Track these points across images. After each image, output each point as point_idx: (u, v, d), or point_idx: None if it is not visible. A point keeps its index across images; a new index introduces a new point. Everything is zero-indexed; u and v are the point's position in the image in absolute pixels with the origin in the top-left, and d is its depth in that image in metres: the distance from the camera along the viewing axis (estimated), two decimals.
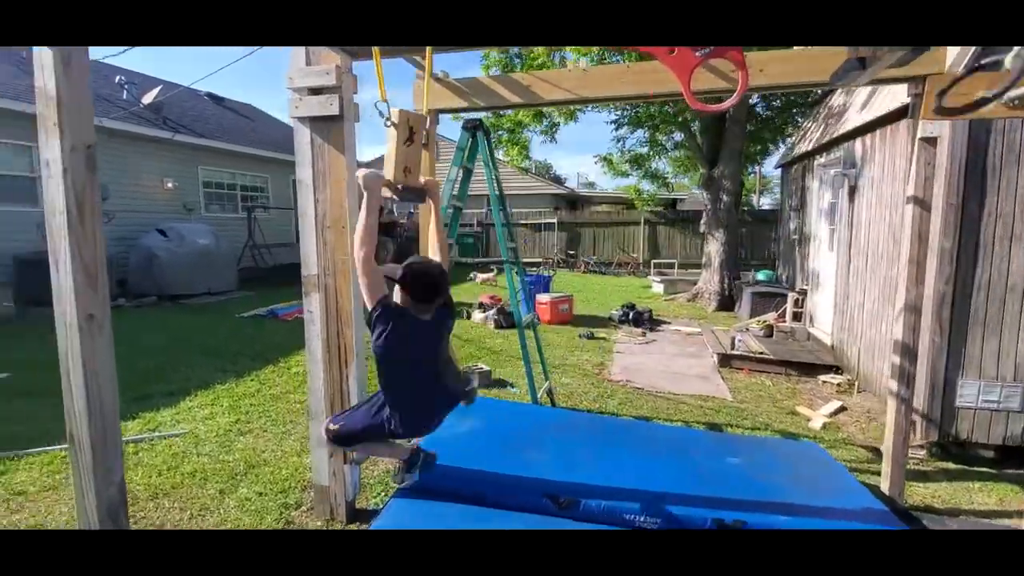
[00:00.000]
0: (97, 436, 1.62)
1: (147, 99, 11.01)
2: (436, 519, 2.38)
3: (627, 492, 2.54)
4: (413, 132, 2.19)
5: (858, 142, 5.54)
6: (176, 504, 2.86)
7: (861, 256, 5.34)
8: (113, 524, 1.69)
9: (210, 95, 15.62)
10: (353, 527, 2.70)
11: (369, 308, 1.99)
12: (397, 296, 2.04)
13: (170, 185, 10.96)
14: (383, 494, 3.01)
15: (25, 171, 8.70)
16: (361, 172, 2.13)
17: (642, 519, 2.39)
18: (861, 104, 5.51)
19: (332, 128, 2.51)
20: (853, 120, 5.60)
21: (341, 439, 2.26)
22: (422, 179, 2.35)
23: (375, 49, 2.26)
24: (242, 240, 11.90)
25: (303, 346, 2.74)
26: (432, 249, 2.36)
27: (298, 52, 2.49)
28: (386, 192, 2.20)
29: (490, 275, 13.46)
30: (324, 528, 2.70)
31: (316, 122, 2.52)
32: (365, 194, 2.04)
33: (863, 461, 3.60)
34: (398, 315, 1.99)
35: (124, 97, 10.95)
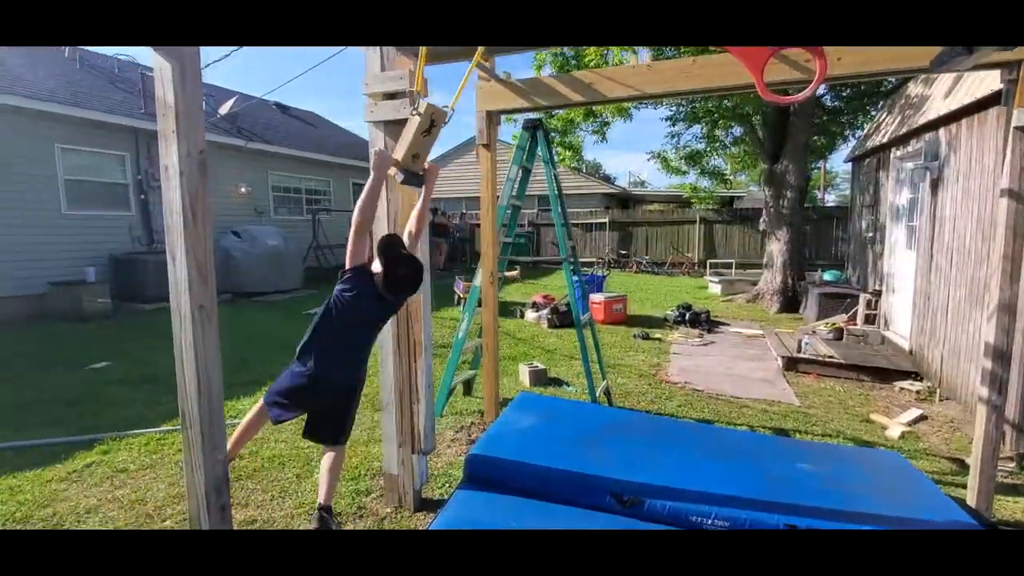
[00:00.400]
0: (205, 416, 1.79)
1: (223, 110, 11.79)
2: (500, 512, 2.43)
3: (693, 494, 2.49)
4: (434, 125, 2.36)
5: (941, 132, 5.18)
6: (258, 486, 3.07)
7: (945, 254, 4.99)
8: (217, 498, 1.85)
9: (277, 104, 16.49)
10: (420, 516, 2.81)
11: (347, 267, 2.27)
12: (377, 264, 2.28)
13: (243, 189, 11.64)
14: (447, 485, 3.11)
15: (119, 179, 9.44)
16: (373, 153, 2.37)
17: (709, 522, 2.35)
18: (944, 92, 5.16)
19: None
20: (936, 109, 5.24)
21: (270, 395, 2.49)
22: (426, 165, 2.49)
23: (422, 49, 2.41)
24: (307, 241, 12.50)
25: None
26: (408, 233, 2.52)
27: (374, 59, 2.62)
28: (390, 171, 2.39)
29: (514, 272, 13.28)
30: (393, 514, 2.82)
31: (389, 126, 2.64)
32: (372, 172, 2.29)
33: (946, 473, 3.38)
34: (368, 282, 2.26)
35: (204, 108, 11.74)
